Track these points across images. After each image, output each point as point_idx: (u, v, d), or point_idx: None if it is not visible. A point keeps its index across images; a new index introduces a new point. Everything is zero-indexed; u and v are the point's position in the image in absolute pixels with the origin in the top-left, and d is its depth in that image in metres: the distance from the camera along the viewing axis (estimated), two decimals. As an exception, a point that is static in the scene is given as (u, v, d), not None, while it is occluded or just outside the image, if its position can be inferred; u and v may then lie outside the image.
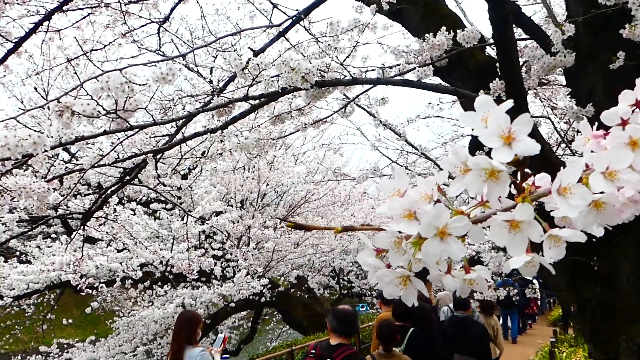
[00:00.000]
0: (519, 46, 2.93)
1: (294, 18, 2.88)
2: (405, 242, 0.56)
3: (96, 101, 1.67)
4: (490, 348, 5.27)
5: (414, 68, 3.01)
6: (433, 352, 4.35)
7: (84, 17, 3.89)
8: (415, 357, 3.94)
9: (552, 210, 0.55)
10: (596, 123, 0.61)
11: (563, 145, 5.18)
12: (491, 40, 2.89)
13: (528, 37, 3.17)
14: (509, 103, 0.54)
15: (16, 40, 2.61)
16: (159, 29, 4.15)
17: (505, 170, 0.54)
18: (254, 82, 2.56)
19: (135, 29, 4.28)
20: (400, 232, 0.56)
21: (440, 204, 0.55)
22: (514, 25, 2.66)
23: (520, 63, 2.81)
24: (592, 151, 0.58)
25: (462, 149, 0.57)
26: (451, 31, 2.89)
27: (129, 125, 2.05)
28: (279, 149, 11.42)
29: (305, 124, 3.18)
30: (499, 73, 2.69)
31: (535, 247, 0.55)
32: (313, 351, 3.38)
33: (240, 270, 8.66)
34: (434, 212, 0.54)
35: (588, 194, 0.52)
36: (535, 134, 2.56)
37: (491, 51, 3.50)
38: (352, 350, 3.28)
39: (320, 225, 0.62)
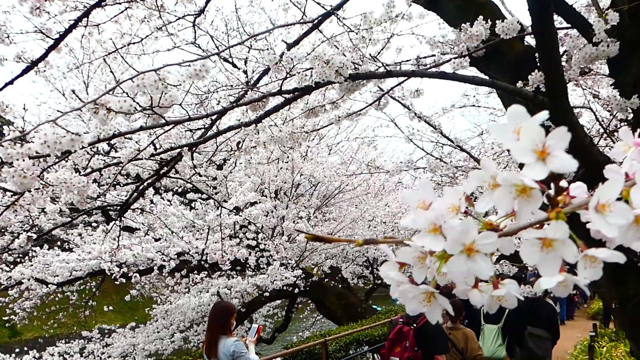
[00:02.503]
0: (559, 35, 2.83)
1: (327, 11, 2.86)
2: (429, 258, 0.53)
3: (132, 98, 1.70)
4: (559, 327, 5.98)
5: (450, 59, 2.96)
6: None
7: (122, 12, 3.95)
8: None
9: (587, 222, 0.52)
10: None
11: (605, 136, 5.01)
12: (530, 30, 2.81)
13: (569, 26, 3.06)
14: (544, 115, 0.50)
15: (56, 37, 2.67)
16: (194, 22, 4.19)
17: (538, 187, 0.50)
18: (288, 76, 2.56)
19: (170, 22, 4.32)
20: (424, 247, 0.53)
21: (468, 219, 0.52)
22: (554, 14, 2.58)
23: (560, 53, 2.72)
24: (633, 160, 0.54)
25: (491, 162, 0.53)
26: (489, 20, 2.82)
27: (164, 121, 2.08)
28: (313, 139, 11.44)
29: (339, 117, 3.16)
30: (538, 64, 2.61)
31: (568, 264, 0.52)
32: (401, 320, 4.21)
33: (274, 261, 8.74)
34: (461, 227, 0.51)
35: (629, 211, 0.48)
36: (577, 130, 2.48)
37: (530, 40, 3.41)
38: None
39: (340, 238, 0.60)
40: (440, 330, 4.13)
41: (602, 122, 4.59)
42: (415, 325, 4.06)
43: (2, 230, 6.39)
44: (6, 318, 10.09)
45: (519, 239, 0.54)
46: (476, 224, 0.52)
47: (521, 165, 0.53)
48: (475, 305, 0.59)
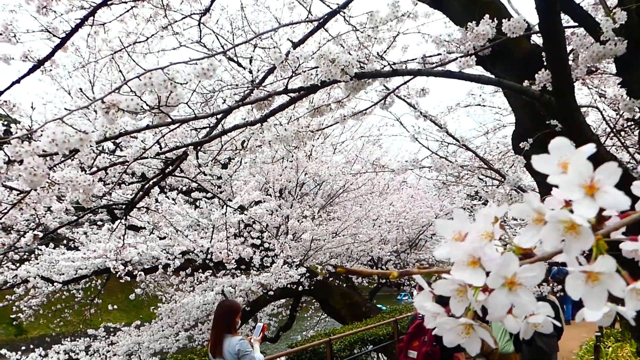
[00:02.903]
0: (565, 34, 2.82)
1: (333, 10, 2.85)
2: (470, 292, 0.52)
3: (139, 97, 1.70)
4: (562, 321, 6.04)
5: (456, 58, 2.95)
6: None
7: (127, 11, 3.95)
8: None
9: (619, 242, 0.51)
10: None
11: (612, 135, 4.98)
12: (537, 28, 2.80)
13: (576, 24, 3.05)
14: (591, 148, 0.48)
15: (63, 36, 2.68)
16: (199, 21, 4.19)
17: (587, 225, 0.47)
18: (294, 75, 2.55)
19: (176, 21, 4.33)
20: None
21: (509, 253, 0.50)
22: (561, 12, 2.56)
23: (567, 51, 2.70)
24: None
25: (535, 197, 0.50)
26: (495, 19, 2.81)
27: (170, 120, 2.08)
28: (317, 138, 11.42)
29: (345, 116, 3.16)
30: (545, 63, 2.60)
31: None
32: (420, 315, 4.19)
33: (278, 259, 8.74)
34: (501, 260, 0.49)
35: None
36: (583, 129, 2.47)
37: (537, 39, 3.39)
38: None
39: (375, 271, 0.59)
40: None
41: (609, 122, 4.57)
42: None
43: (9, 229, 6.42)
44: (13, 316, 10.15)
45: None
46: (517, 259, 0.51)
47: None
48: (509, 329, 0.57)
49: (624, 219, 0.50)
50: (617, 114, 4.63)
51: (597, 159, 0.46)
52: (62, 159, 1.95)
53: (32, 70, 2.64)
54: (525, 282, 0.50)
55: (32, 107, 2.07)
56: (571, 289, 0.50)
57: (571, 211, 0.48)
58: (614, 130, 4.29)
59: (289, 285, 9.34)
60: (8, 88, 2.46)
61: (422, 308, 0.56)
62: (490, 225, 0.53)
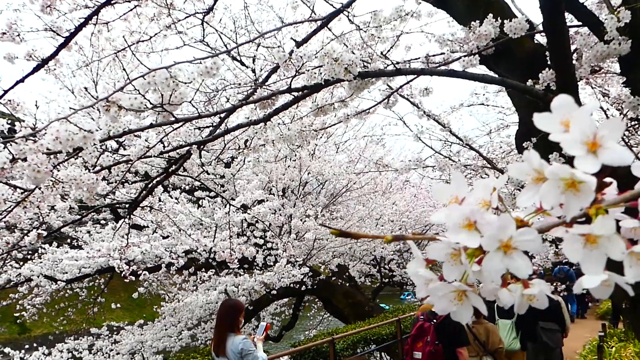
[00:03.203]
0: (569, 33, 2.81)
1: (337, 9, 2.85)
2: (464, 254, 0.51)
3: (143, 95, 1.70)
4: (565, 316, 6.28)
5: (460, 57, 2.94)
6: None
7: (131, 10, 3.96)
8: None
9: (619, 220, 0.49)
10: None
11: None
12: (540, 27, 2.79)
13: (580, 23, 3.04)
14: (595, 104, 0.47)
15: (67, 35, 2.68)
16: (203, 20, 4.19)
17: (589, 181, 0.46)
18: (297, 74, 2.55)
19: (179, 20, 4.33)
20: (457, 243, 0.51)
21: (506, 214, 0.50)
22: (565, 11, 2.56)
23: (571, 50, 2.70)
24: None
25: (535, 155, 0.50)
26: (498, 18, 2.80)
27: (174, 118, 2.08)
28: (321, 137, 11.43)
29: (348, 115, 3.16)
30: (549, 62, 2.59)
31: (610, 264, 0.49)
32: (422, 316, 4.43)
33: (281, 258, 8.74)
34: (499, 223, 0.49)
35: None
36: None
37: (540, 38, 3.38)
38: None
39: (367, 234, 0.58)
40: (459, 325, 4.27)
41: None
42: (435, 321, 4.28)
43: (12, 227, 6.44)
44: (16, 314, 10.18)
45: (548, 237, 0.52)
46: (514, 223, 0.50)
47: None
48: (501, 303, 0.57)
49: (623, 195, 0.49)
50: (620, 113, 4.61)
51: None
52: (66, 157, 1.95)
53: (36, 69, 2.65)
54: (521, 246, 0.49)
55: (36, 105, 2.07)
56: (569, 252, 0.49)
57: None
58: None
59: (291, 285, 9.35)
60: (12, 87, 2.47)
61: (415, 274, 0.54)
62: (488, 195, 0.53)
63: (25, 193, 2.20)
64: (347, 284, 12.85)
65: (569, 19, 3.14)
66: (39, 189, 2.09)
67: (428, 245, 0.53)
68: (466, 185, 0.55)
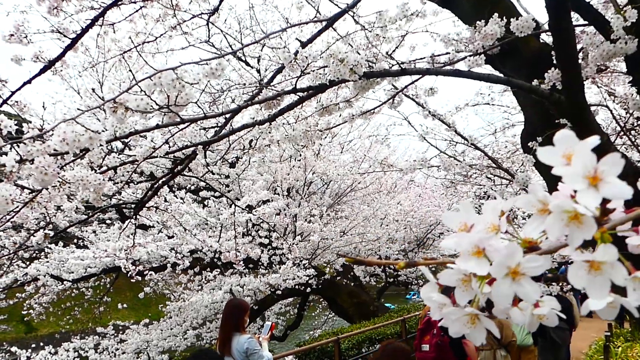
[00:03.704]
0: (575, 32, 2.80)
1: (342, 9, 2.85)
2: (474, 281, 0.52)
3: (149, 96, 1.71)
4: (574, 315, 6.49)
5: (465, 57, 2.94)
6: None
7: (137, 11, 3.97)
8: None
9: (625, 237, 0.51)
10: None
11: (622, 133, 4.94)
12: (546, 26, 2.78)
13: (586, 23, 3.03)
14: (595, 140, 0.49)
15: (73, 36, 2.70)
16: (208, 21, 4.20)
17: (590, 214, 0.48)
18: (302, 74, 2.56)
19: (185, 21, 4.34)
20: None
21: (513, 243, 0.51)
22: (571, 11, 2.55)
23: (577, 50, 2.69)
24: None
25: (540, 187, 0.52)
26: (504, 18, 2.80)
27: (180, 119, 2.09)
28: (325, 137, 11.43)
29: (353, 115, 3.16)
30: (555, 61, 2.58)
31: (616, 286, 0.51)
32: (429, 312, 4.22)
33: (287, 259, 8.76)
34: (506, 251, 0.50)
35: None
36: (593, 128, 2.46)
37: (546, 38, 3.37)
38: None
39: (380, 261, 0.60)
40: None
41: (619, 120, 4.54)
42: None
43: (19, 227, 6.48)
44: (23, 313, 10.24)
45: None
46: (521, 250, 0.51)
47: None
48: (515, 322, 0.59)
49: (629, 213, 0.50)
50: (627, 113, 4.59)
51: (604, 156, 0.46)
52: (73, 158, 1.96)
53: (43, 71, 2.66)
54: (529, 272, 0.51)
55: (43, 107, 2.08)
56: (574, 279, 0.50)
57: (575, 202, 0.49)
58: (624, 129, 4.26)
59: (296, 285, 9.36)
60: (20, 88, 2.48)
61: (429, 299, 0.56)
62: (497, 218, 0.54)
63: (33, 194, 2.22)
64: (352, 284, 12.85)
65: (575, 18, 3.13)
66: (46, 189, 2.10)
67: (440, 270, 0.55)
68: (474, 212, 0.56)
